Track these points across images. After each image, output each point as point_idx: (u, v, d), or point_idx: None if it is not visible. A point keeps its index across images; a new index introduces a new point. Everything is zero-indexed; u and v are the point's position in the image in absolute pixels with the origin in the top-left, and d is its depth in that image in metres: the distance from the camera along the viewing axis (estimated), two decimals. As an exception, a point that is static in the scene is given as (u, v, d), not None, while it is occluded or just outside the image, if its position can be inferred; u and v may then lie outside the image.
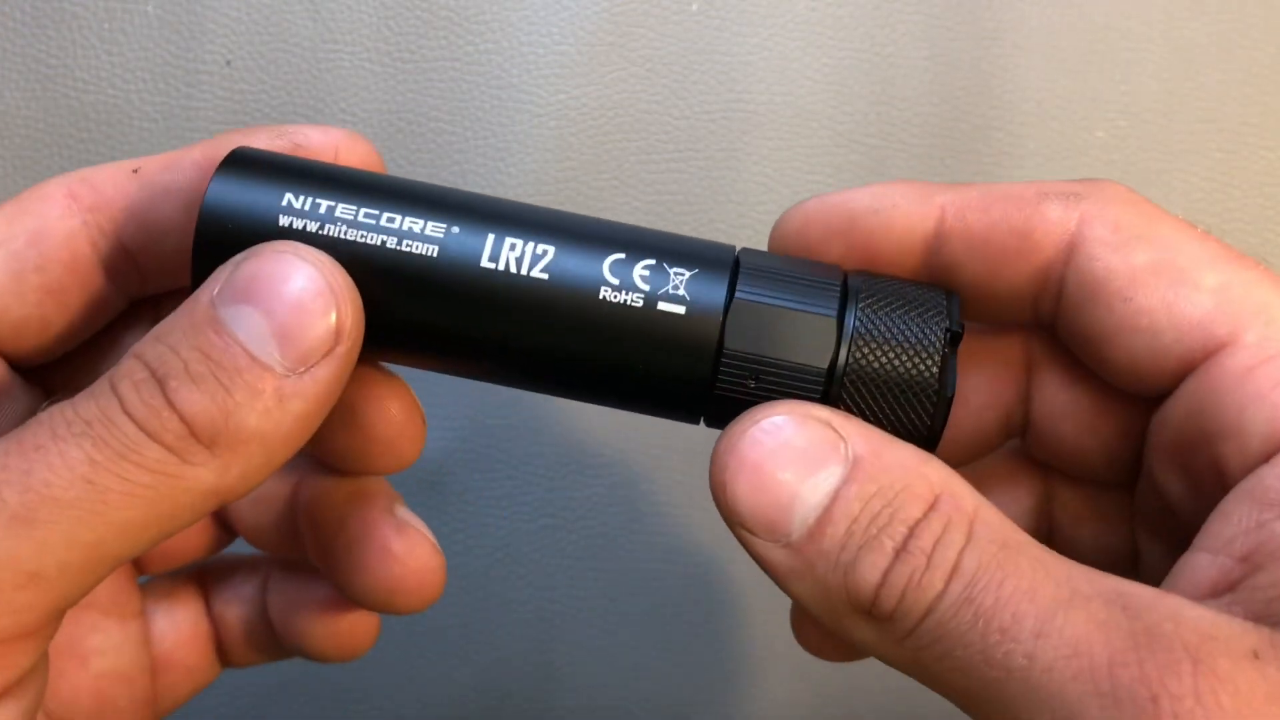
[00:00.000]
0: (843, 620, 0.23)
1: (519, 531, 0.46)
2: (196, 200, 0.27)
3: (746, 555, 0.26)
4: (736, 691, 0.48)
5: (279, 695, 0.47)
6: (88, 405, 0.22)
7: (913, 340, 0.24)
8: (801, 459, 0.23)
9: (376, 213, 0.24)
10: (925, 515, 0.22)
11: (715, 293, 0.24)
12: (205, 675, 0.34)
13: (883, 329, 0.24)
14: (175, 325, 0.23)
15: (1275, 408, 0.23)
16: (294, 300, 0.23)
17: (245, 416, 0.22)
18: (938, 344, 0.24)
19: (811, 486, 0.23)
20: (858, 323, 0.24)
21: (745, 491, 0.23)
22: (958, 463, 0.31)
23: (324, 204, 0.24)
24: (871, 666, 0.30)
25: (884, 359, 0.24)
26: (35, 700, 0.23)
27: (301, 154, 0.27)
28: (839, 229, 0.27)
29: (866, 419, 0.24)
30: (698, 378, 0.24)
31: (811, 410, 0.23)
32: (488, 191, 0.45)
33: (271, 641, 0.34)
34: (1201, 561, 0.23)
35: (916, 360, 0.24)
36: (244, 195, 0.24)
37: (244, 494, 0.23)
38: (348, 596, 0.31)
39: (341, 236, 0.24)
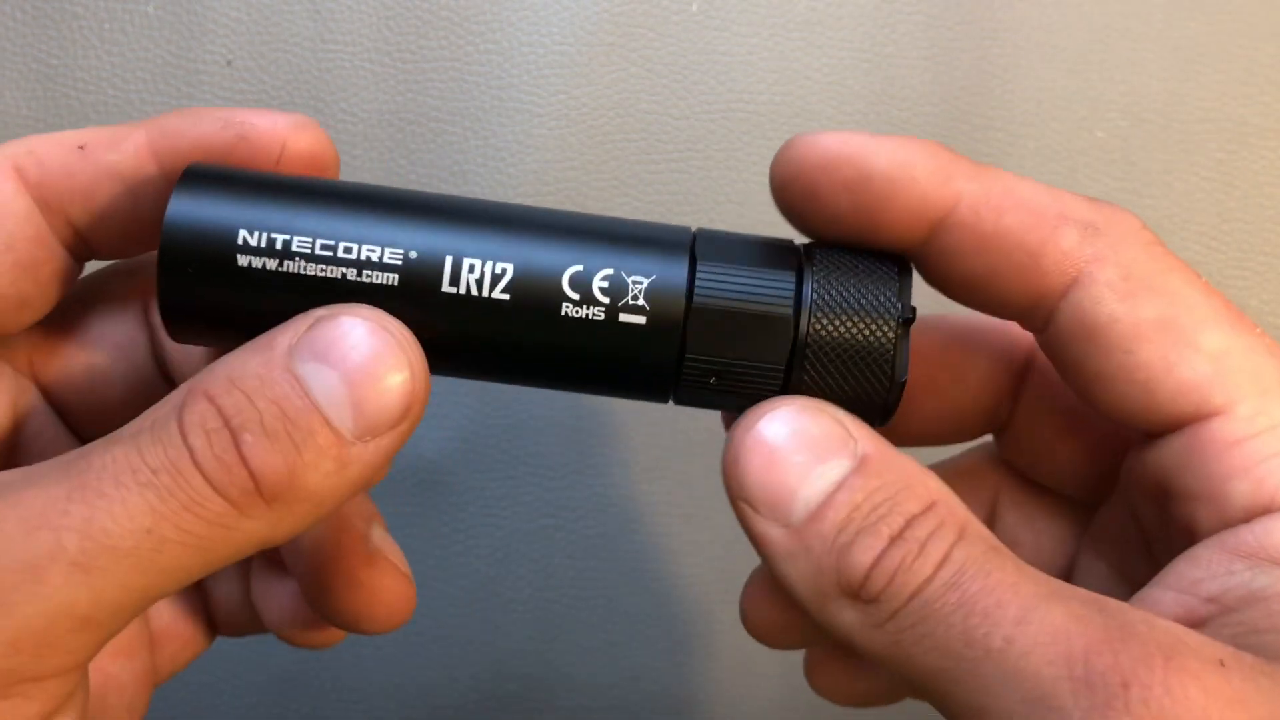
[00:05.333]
0: (828, 605, 0.24)
1: (519, 531, 0.46)
2: (140, 186, 0.27)
3: (746, 557, 0.26)
4: (736, 691, 0.48)
5: (279, 694, 0.47)
6: (155, 452, 0.22)
7: (866, 333, 0.25)
8: (814, 446, 0.24)
9: (333, 243, 0.24)
10: (923, 512, 0.23)
11: (674, 300, 0.25)
12: (200, 644, 0.34)
13: (838, 330, 0.25)
14: (249, 370, 0.23)
15: (1259, 482, 0.24)
16: (376, 373, 0.23)
17: (309, 477, 0.22)
18: (890, 333, 0.25)
19: (819, 473, 0.24)
20: (815, 294, 0.25)
21: (757, 468, 0.24)
22: (941, 437, 0.32)
23: (279, 238, 0.24)
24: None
25: (841, 339, 0.25)
26: (81, 713, 0.24)
27: (247, 145, 0.27)
28: (851, 184, 0.26)
29: (825, 394, 0.26)
30: (662, 380, 0.26)
31: (827, 408, 0.25)
32: (488, 192, 0.45)
33: (256, 618, 0.34)
34: (1165, 598, 0.24)
35: (871, 336, 0.25)
36: (199, 231, 0.24)
37: (282, 543, 0.24)
38: (317, 613, 0.31)
39: (301, 272, 0.24)
